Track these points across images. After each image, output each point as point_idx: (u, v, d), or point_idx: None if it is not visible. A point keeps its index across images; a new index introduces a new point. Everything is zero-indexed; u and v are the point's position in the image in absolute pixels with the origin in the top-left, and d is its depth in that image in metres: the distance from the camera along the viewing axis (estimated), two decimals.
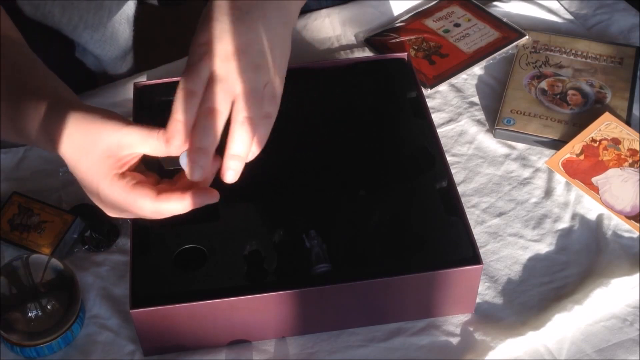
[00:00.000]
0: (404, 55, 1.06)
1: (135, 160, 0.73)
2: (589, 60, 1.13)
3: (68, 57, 1.14)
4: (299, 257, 0.87)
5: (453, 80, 1.12)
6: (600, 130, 1.03)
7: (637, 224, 0.96)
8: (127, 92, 1.08)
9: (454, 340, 0.88)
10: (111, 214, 0.74)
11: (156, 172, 0.76)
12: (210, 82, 0.70)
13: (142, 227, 0.88)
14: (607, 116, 1.04)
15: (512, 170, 1.03)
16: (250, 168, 0.96)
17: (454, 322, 0.89)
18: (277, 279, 0.85)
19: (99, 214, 0.94)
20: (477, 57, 1.14)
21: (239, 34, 0.71)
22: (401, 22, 1.20)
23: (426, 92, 1.10)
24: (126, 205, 0.71)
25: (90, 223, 0.96)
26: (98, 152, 0.71)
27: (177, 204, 0.71)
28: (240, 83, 0.70)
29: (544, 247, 0.95)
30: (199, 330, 0.85)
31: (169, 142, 0.69)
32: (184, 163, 0.70)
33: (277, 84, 0.74)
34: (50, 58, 1.03)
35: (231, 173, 0.71)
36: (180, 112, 0.69)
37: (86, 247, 0.96)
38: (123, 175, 0.72)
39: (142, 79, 1.12)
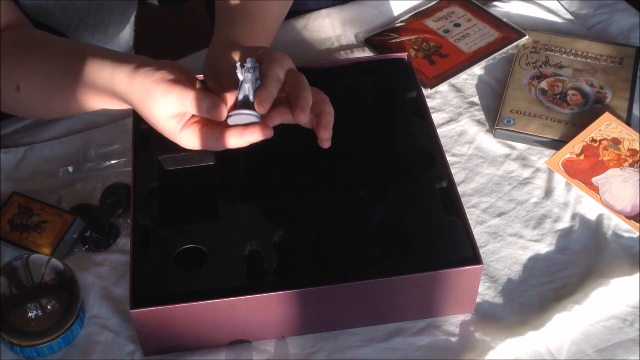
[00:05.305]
0: (404, 55, 1.06)
1: (189, 116, 0.81)
2: (589, 60, 1.13)
3: None
4: (299, 257, 0.87)
5: (453, 80, 1.12)
6: (600, 130, 1.03)
7: (637, 224, 0.96)
8: None
9: (454, 340, 0.88)
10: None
11: None
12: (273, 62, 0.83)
13: (142, 227, 0.88)
14: (607, 116, 1.04)
15: (512, 170, 1.03)
16: (250, 168, 0.96)
17: (454, 322, 0.89)
18: (277, 279, 0.85)
19: (99, 214, 0.94)
20: (477, 57, 1.14)
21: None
22: (401, 22, 1.20)
23: (426, 92, 1.10)
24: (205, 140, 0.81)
25: (90, 223, 0.96)
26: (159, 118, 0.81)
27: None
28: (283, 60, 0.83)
29: (544, 247, 0.95)
30: (199, 330, 0.85)
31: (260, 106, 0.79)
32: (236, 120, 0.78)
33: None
34: None
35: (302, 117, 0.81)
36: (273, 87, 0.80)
37: (86, 247, 0.96)
38: (186, 128, 0.81)
39: None
